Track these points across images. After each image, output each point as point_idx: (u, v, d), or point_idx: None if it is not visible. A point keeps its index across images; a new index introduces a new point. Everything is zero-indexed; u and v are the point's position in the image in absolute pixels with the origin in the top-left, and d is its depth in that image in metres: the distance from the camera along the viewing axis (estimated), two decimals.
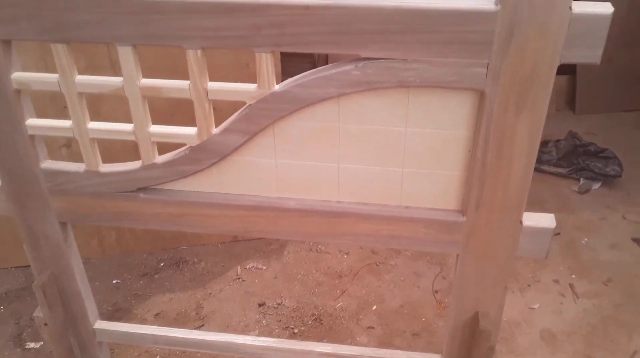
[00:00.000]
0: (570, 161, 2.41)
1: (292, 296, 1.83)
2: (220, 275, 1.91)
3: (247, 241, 1.99)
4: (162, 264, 1.96)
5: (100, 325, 1.53)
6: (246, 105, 1.08)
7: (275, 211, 1.22)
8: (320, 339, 1.68)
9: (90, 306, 1.51)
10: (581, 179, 2.33)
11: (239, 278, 1.89)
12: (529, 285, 1.85)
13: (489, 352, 1.35)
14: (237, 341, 1.47)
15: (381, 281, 1.87)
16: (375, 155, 1.13)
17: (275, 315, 1.76)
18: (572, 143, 2.45)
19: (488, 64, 0.96)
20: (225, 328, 1.72)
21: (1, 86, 1.12)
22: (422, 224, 1.18)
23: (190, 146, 1.16)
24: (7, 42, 1.09)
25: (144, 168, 1.20)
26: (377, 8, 0.94)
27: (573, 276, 1.89)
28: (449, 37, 0.95)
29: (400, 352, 1.45)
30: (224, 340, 1.48)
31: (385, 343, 1.67)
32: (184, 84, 1.08)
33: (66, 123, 1.17)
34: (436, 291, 1.83)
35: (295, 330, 1.71)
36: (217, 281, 1.89)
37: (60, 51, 1.07)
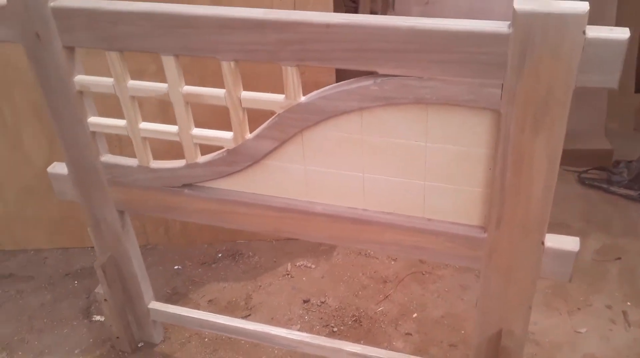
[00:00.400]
0: None
1: (336, 296, 1.88)
2: (271, 269, 2.00)
3: (299, 241, 2.07)
4: (220, 255, 2.08)
5: (154, 305, 1.68)
6: (276, 114, 1.15)
7: (304, 214, 1.28)
8: (357, 340, 1.72)
9: (146, 288, 1.65)
10: None
11: (288, 274, 1.98)
12: (578, 308, 1.79)
13: None
14: (273, 332, 1.55)
15: (425, 290, 1.88)
16: (398, 167, 1.16)
17: (317, 313, 1.83)
18: None
19: (503, 84, 0.97)
20: (270, 320, 1.80)
21: (66, 87, 1.26)
22: (445, 237, 1.20)
23: (228, 149, 1.25)
24: (71, 49, 1.23)
25: (187, 166, 1.31)
26: (393, 28, 0.98)
27: (628, 303, 1.80)
28: (464, 58, 0.97)
29: None
30: (261, 330, 1.56)
31: (420, 350, 1.68)
32: (220, 92, 1.17)
33: (121, 122, 1.29)
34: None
35: (335, 329, 1.77)
36: (268, 275, 1.98)
37: (114, 58, 1.19)
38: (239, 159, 1.25)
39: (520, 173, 1.05)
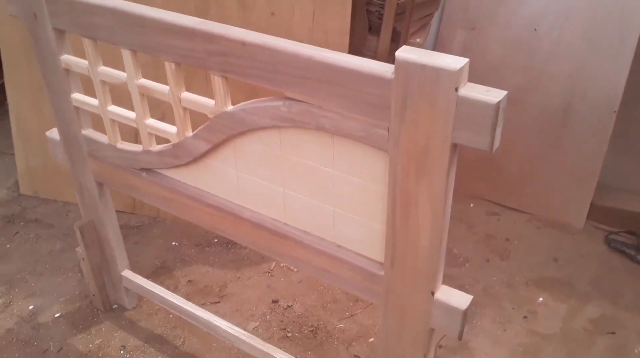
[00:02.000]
0: None
1: (305, 303, 1.92)
2: (256, 264, 2.08)
3: None
4: (215, 240, 2.19)
5: (126, 273, 1.81)
6: (209, 119, 1.22)
7: (233, 216, 1.34)
8: (305, 350, 1.75)
9: (120, 256, 1.79)
10: None
11: (269, 273, 2.04)
12: None
13: None
14: (214, 322, 1.63)
15: None
16: (311, 189, 1.18)
17: (280, 315, 1.88)
18: None
19: (389, 127, 0.97)
20: (234, 312, 1.88)
21: (55, 64, 1.41)
22: (348, 266, 1.20)
23: (173, 143, 1.33)
24: (61, 31, 1.37)
25: (144, 152, 1.41)
26: (295, 54, 1.01)
27: None
28: (355, 95, 0.97)
29: None
30: (205, 317, 1.64)
31: None
32: (165, 88, 1.25)
33: (95, 101, 1.42)
34: (440, 347, 1.77)
35: (289, 334, 1.81)
36: (250, 269, 2.06)
37: (87, 45, 1.32)
38: (181, 154, 1.33)
39: (408, 217, 1.03)
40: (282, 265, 2.08)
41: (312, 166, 1.15)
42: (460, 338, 1.13)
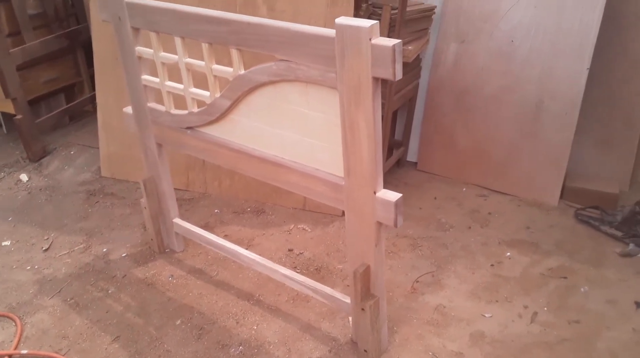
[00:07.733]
0: (630, 227, 2.41)
1: (313, 251, 2.40)
2: (278, 226, 2.58)
3: (311, 212, 2.63)
4: (248, 209, 2.72)
5: (177, 221, 2.37)
6: (230, 81, 1.78)
7: (248, 156, 1.87)
8: None
9: (173, 206, 2.36)
10: (630, 244, 2.34)
11: (288, 232, 2.54)
12: (497, 301, 2.07)
13: (371, 299, 1.75)
14: (238, 250, 2.15)
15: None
16: (297, 128, 1.70)
17: (293, 259, 2.37)
18: (634, 210, 2.44)
19: (336, 71, 1.48)
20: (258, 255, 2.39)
21: (132, 54, 2.02)
22: (322, 183, 1.71)
23: (207, 104, 1.90)
24: (136, 29, 1.98)
25: (189, 114, 1.98)
26: (277, 27, 1.55)
27: (545, 308, 2.04)
28: (315, 51, 1.50)
29: (325, 288, 1.94)
30: (232, 248, 2.16)
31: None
32: (202, 64, 1.82)
33: (156, 80, 2.02)
34: (417, 281, 2.21)
35: (298, 270, 2.29)
36: (274, 229, 2.56)
37: (153, 37, 1.92)
38: (213, 111, 1.89)
39: (353, 136, 1.53)
40: (299, 226, 2.58)
41: (295, 110, 1.68)
42: (395, 225, 1.60)
